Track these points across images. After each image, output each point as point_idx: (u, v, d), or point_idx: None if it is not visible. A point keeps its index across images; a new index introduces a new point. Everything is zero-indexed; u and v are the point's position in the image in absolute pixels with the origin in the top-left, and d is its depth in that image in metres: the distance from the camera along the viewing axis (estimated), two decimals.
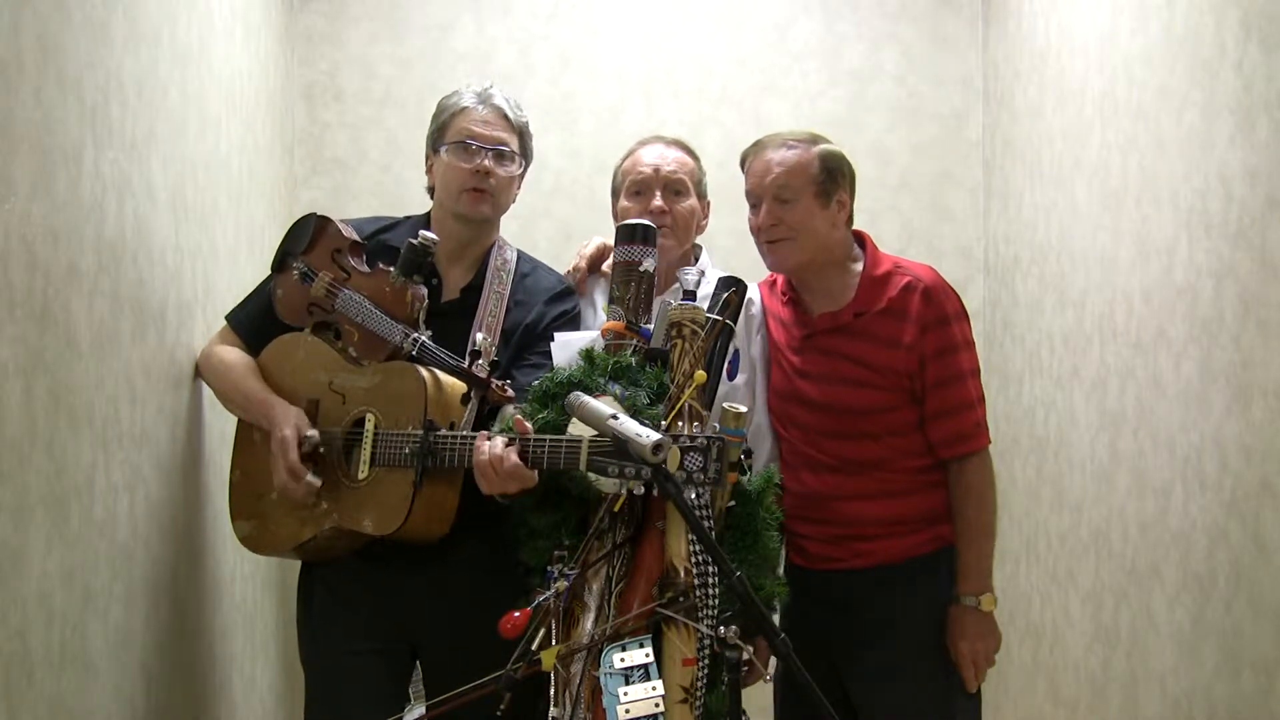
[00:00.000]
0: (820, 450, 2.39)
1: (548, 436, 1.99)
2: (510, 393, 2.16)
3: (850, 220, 2.46)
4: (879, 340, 2.35)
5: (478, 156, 2.35)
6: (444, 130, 2.39)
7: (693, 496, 1.91)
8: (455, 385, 2.17)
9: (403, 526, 2.11)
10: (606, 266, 2.55)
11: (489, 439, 2.03)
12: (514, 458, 1.98)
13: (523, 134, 2.43)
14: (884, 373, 2.34)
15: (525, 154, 2.45)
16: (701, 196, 2.55)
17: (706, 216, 2.58)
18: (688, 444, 1.85)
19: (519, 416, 2.05)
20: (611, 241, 2.52)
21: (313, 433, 2.19)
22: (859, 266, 2.42)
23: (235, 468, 2.39)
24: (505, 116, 2.39)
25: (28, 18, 1.74)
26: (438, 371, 2.17)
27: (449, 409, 2.15)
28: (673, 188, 2.47)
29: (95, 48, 1.99)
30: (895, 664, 2.35)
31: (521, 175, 2.46)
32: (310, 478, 2.16)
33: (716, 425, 2.03)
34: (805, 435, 2.41)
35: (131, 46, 2.17)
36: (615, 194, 2.56)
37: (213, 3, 2.74)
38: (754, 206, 2.43)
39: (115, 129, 2.08)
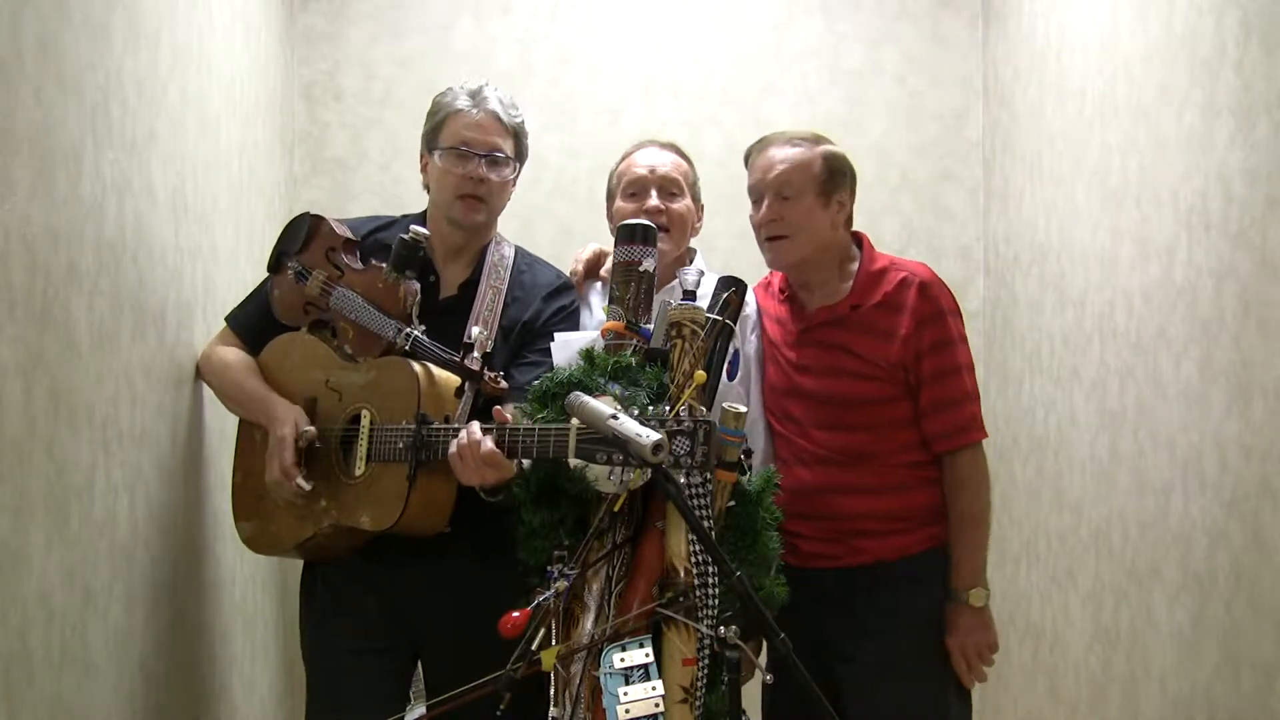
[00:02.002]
0: (813, 442, 2.40)
1: (536, 425, 1.99)
2: (503, 384, 2.16)
3: (850, 222, 2.48)
4: (875, 332, 2.37)
5: (471, 162, 2.34)
6: (438, 131, 2.38)
7: (683, 479, 1.91)
8: (448, 379, 2.18)
9: (399, 521, 2.11)
10: (604, 271, 2.56)
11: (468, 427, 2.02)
12: (489, 443, 1.98)
13: (517, 135, 2.42)
14: (879, 364, 2.36)
15: (520, 155, 2.44)
16: (696, 199, 2.56)
17: (701, 220, 2.59)
18: (674, 428, 1.86)
19: (498, 408, 2.05)
20: (608, 246, 2.52)
21: (309, 428, 2.20)
22: (855, 265, 2.44)
23: (237, 469, 2.39)
24: (499, 119, 2.37)
25: (28, 18, 1.74)
26: (431, 365, 2.18)
27: (442, 402, 2.15)
28: (668, 189, 2.49)
29: (95, 48, 1.99)
30: (889, 663, 2.35)
31: (516, 175, 2.46)
32: (300, 481, 2.16)
33: (716, 426, 2.03)
34: (799, 428, 2.42)
35: (131, 46, 2.17)
36: (610, 196, 2.57)
37: (213, 3, 2.74)
38: (755, 202, 2.44)
39: (115, 129, 2.08)
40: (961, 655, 2.36)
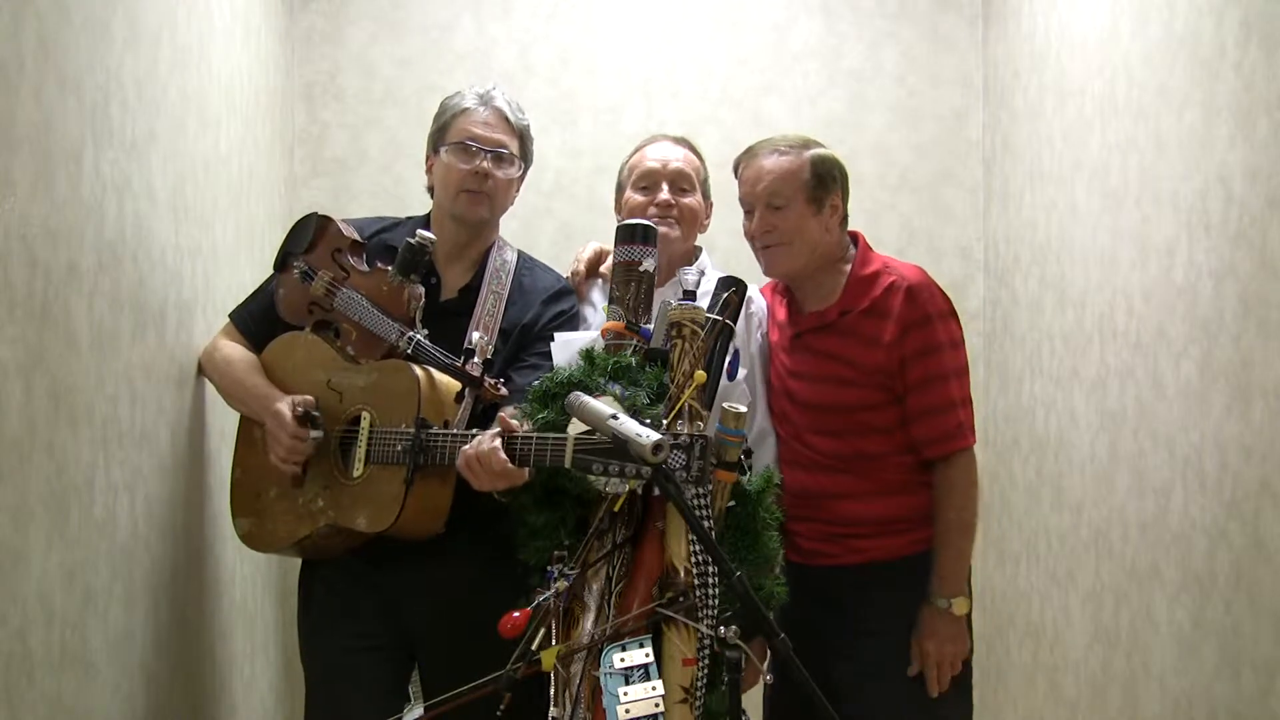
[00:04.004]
0: (808, 447, 2.41)
1: (534, 434, 1.99)
2: (503, 390, 2.17)
3: (844, 222, 2.47)
4: (861, 339, 2.37)
5: (477, 158, 2.36)
6: (445, 131, 2.40)
7: (691, 494, 1.91)
8: (449, 383, 2.18)
9: (395, 524, 2.11)
10: (605, 268, 2.56)
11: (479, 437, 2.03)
12: (501, 455, 1.98)
13: (523, 137, 2.44)
14: (866, 371, 2.36)
15: (525, 157, 2.46)
16: (705, 195, 2.58)
17: (709, 216, 2.60)
18: (671, 442, 1.85)
19: (503, 414, 2.05)
20: (609, 245, 2.53)
21: (308, 397, 2.22)
22: (849, 266, 2.44)
23: (236, 466, 2.40)
24: (506, 119, 2.41)
25: (28, 18, 1.74)
26: (432, 370, 2.18)
27: (442, 407, 2.16)
28: (679, 184, 2.50)
29: (95, 48, 1.99)
30: (886, 661, 2.36)
31: (521, 178, 2.47)
32: (313, 432, 2.18)
33: (717, 425, 2.03)
34: (795, 432, 2.43)
35: (131, 46, 2.17)
36: (620, 189, 2.57)
37: (213, 3, 2.74)
38: (748, 213, 2.46)
39: (115, 129, 2.08)
40: (935, 663, 2.34)
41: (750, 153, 2.46)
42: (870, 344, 2.36)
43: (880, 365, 2.35)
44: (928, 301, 2.37)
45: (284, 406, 2.21)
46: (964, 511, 2.38)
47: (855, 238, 2.49)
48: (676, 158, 2.52)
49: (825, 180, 2.40)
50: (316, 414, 2.22)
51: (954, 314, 2.43)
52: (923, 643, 2.34)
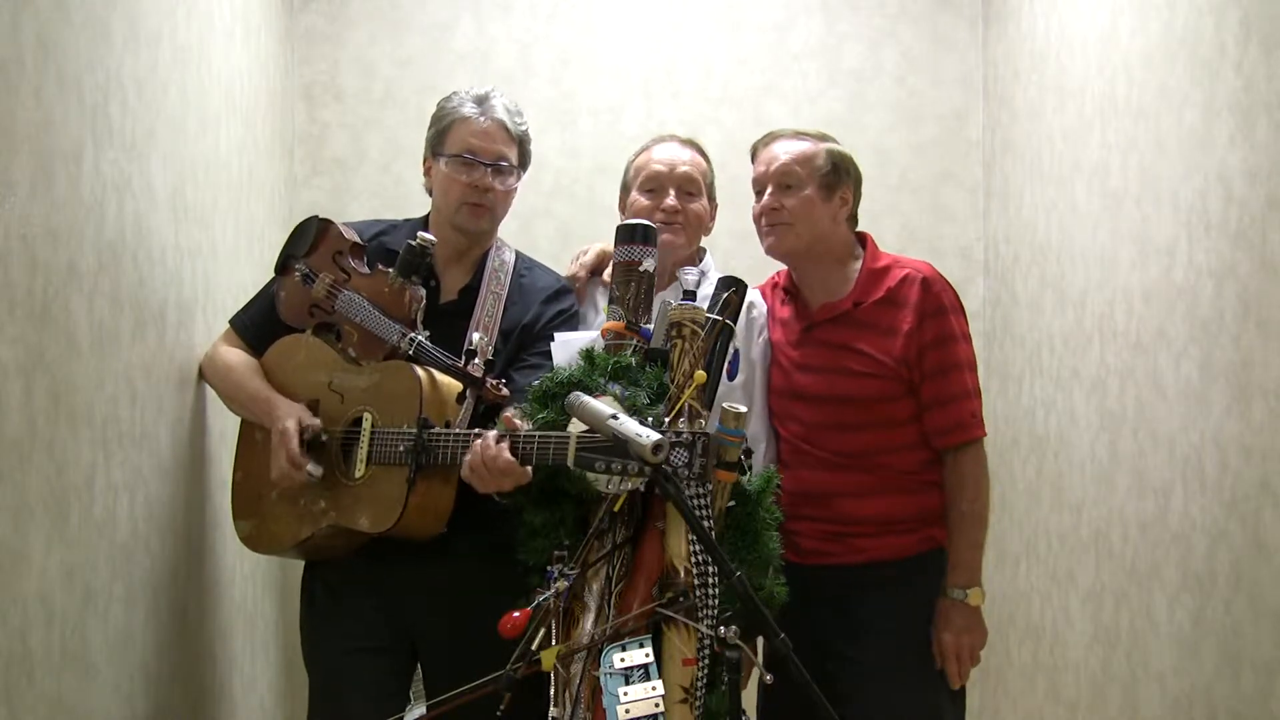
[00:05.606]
0: (817, 445, 2.40)
1: (537, 433, 2.00)
2: (505, 391, 2.17)
3: (854, 220, 2.49)
4: (877, 329, 2.38)
5: (478, 171, 2.35)
6: (444, 137, 2.39)
7: (692, 492, 1.91)
8: (450, 384, 2.19)
9: (397, 524, 2.12)
10: (607, 274, 2.56)
11: (481, 437, 2.03)
12: (506, 454, 1.98)
13: (522, 143, 2.43)
14: (883, 361, 2.37)
15: (524, 164, 2.46)
16: (711, 198, 2.56)
17: (713, 219, 2.59)
18: (673, 439, 1.85)
19: (508, 413, 2.05)
20: (610, 248, 2.52)
21: (315, 421, 2.21)
22: (859, 263, 2.46)
23: (237, 468, 2.40)
24: (506, 128, 2.38)
25: (28, 18, 1.74)
26: (433, 370, 2.19)
27: (444, 407, 2.16)
28: (686, 188, 2.48)
29: (95, 48, 1.99)
30: (885, 661, 2.36)
31: (518, 181, 2.46)
32: (311, 466, 2.17)
33: (716, 425, 2.03)
34: (804, 430, 2.43)
35: (131, 46, 2.17)
36: (626, 189, 2.56)
37: (213, 3, 2.74)
38: (759, 194, 2.47)
39: (115, 129, 2.08)
40: (955, 654, 2.36)
41: (769, 136, 2.50)
42: (888, 333, 2.37)
43: (898, 354, 2.36)
44: (942, 292, 2.41)
45: (292, 425, 2.19)
46: (976, 503, 2.39)
47: (863, 238, 2.52)
48: (684, 161, 2.49)
49: (840, 170, 2.44)
50: (323, 438, 2.21)
51: (963, 309, 2.46)
52: (940, 634, 2.36)
